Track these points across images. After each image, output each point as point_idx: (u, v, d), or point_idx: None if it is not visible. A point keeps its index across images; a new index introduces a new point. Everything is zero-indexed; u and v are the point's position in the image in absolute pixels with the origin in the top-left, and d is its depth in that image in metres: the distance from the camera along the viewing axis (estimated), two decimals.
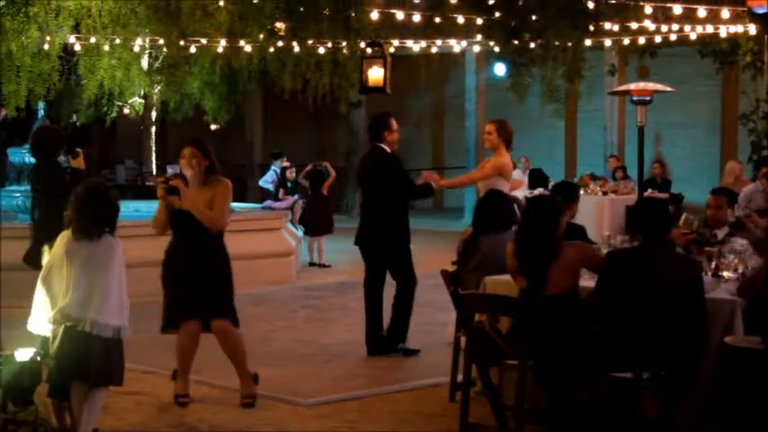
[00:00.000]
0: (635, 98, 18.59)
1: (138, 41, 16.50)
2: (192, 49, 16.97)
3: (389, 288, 10.10)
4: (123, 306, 6.82)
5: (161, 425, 7.69)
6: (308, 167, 17.49)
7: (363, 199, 10.37)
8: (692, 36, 18.09)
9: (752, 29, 16.53)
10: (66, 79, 17.42)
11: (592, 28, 16.21)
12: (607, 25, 16.38)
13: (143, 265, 11.38)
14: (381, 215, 9.92)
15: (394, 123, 10.03)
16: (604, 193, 18.64)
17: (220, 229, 8.11)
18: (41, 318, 6.86)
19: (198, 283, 8.05)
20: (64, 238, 6.86)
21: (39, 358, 6.92)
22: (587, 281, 7.20)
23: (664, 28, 17.30)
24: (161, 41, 16.61)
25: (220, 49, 16.82)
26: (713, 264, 7.34)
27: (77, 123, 24.93)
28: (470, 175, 11.07)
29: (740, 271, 7.24)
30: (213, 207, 8.03)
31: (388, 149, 9.93)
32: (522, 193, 17.85)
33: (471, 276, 8.41)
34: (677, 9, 15.49)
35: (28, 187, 15.42)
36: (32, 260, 8.40)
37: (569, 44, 15.94)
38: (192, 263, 8.07)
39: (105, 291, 6.72)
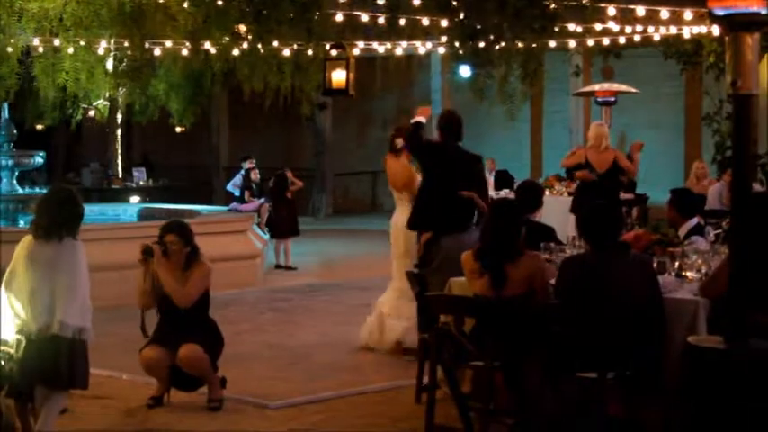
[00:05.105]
0: (599, 99, 18.64)
1: (103, 44, 16.41)
2: (157, 52, 16.89)
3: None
4: (85, 308, 6.78)
5: (127, 429, 7.67)
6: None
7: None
8: (656, 37, 18.16)
9: (715, 30, 16.60)
10: (29, 82, 17.32)
11: (557, 29, 16.25)
12: (571, 26, 16.39)
13: (107, 268, 11.35)
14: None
15: None
16: (570, 194, 18.67)
17: (184, 305, 8.06)
18: (6, 323, 6.81)
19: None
20: (26, 241, 6.81)
21: (2, 362, 6.87)
22: None
23: (628, 29, 17.34)
24: (125, 44, 16.53)
25: (185, 52, 16.76)
26: (677, 264, 7.38)
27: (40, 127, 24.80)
28: None
29: (704, 271, 7.28)
30: (186, 284, 8.05)
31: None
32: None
33: (434, 277, 8.42)
34: (640, 10, 15.53)
35: None
36: None
37: (533, 46, 15.97)
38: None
39: (69, 292, 6.67)
